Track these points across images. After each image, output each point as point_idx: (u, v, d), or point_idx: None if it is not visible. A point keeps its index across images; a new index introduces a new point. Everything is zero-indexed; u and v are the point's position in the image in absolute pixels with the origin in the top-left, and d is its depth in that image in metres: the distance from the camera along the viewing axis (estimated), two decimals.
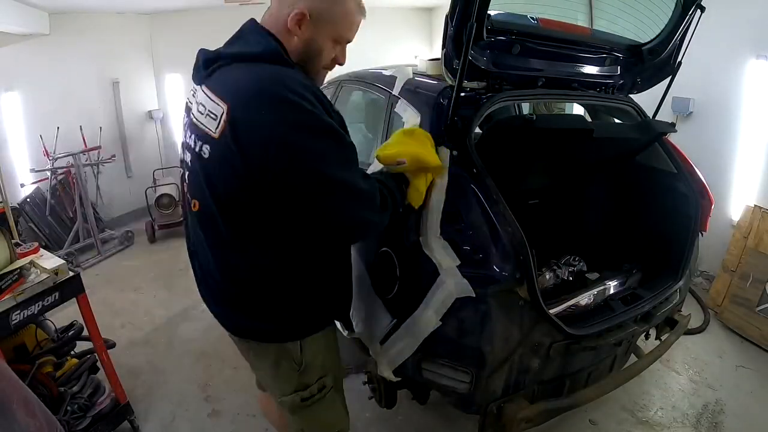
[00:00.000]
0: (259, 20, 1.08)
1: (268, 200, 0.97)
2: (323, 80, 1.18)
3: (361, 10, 1.08)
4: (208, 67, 1.04)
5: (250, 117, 0.91)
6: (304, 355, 1.17)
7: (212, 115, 0.96)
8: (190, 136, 1.06)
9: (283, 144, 0.90)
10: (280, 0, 1.03)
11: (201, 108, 1.01)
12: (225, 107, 0.93)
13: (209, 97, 0.98)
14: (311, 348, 1.19)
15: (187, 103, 1.12)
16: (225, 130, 0.93)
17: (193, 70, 1.10)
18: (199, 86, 1.05)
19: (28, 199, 4.22)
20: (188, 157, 1.09)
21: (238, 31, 1.07)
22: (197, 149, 1.02)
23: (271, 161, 0.90)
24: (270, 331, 1.15)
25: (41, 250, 1.91)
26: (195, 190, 1.08)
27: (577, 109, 3.68)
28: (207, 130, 0.98)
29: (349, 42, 1.10)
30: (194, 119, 1.03)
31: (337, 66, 1.13)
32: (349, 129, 1.08)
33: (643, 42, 1.87)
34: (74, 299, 1.81)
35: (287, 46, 1.02)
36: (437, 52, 1.46)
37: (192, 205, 1.10)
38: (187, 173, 1.13)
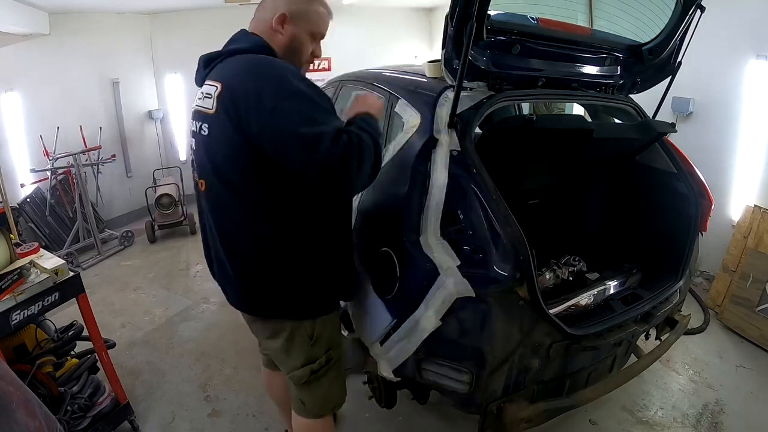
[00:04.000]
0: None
1: (258, 163, 1.08)
2: (305, 74, 1.29)
3: (329, 12, 1.29)
4: (208, 66, 1.21)
5: (237, 86, 1.07)
6: (315, 329, 1.29)
7: (208, 95, 1.13)
8: (194, 124, 1.20)
9: (258, 105, 1.03)
10: (263, 8, 1.25)
11: (201, 95, 1.18)
12: (219, 85, 1.10)
13: (208, 84, 1.15)
14: (323, 323, 1.31)
15: (194, 107, 1.25)
16: (218, 104, 1.09)
17: (196, 75, 1.26)
18: (200, 89, 1.21)
19: (28, 199, 4.22)
20: (193, 142, 1.23)
21: (231, 38, 1.26)
22: (198, 130, 1.17)
23: (253, 123, 1.03)
24: (288, 309, 1.26)
25: (41, 250, 1.91)
26: (201, 170, 1.21)
27: (577, 109, 3.68)
28: (205, 109, 1.13)
29: (322, 38, 1.29)
30: (196, 107, 1.19)
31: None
32: None
33: (643, 42, 1.87)
34: (74, 299, 1.81)
35: (273, 44, 1.21)
36: (437, 52, 1.46)
37: (200, 186, 1.22)
38: (192, 158, 1.27)
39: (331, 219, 1.26)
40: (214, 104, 1.10)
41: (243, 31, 1.26)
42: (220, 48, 1.23)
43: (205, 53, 1.24)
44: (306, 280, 1.23)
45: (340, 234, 1.30)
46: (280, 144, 1.04)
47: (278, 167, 1.07)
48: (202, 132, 1.16)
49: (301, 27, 1.23)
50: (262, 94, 1.04)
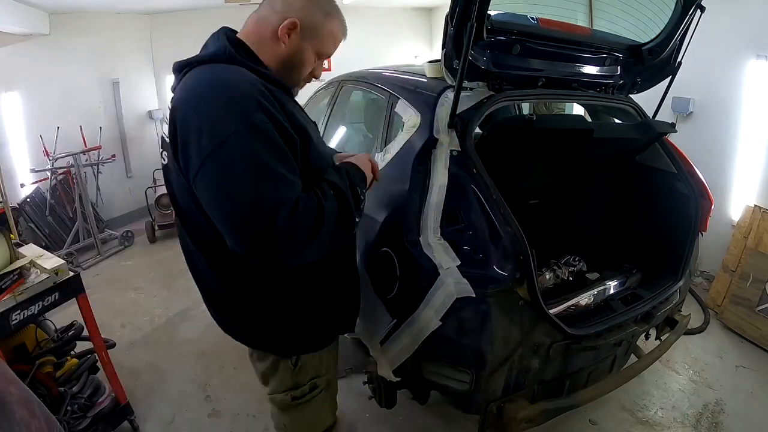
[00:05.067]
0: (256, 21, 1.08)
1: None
2: (297, 93, 1.15)
3: (345, 31, 1.11)
4: (178, 75, 1.03)
5: (179, 114, 0.89)
6: (301, 360, 1.18)
7: (167, 120, 0.96)
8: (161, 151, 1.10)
9: (198, 144, 0.85)
10: (272, 5, 1.03)
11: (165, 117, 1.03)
12: (173, 110, 0.93)
13: (170, 104, 0.98)
14: (311, 357, 1.20)
15: None
16: (170, 133, 0.92)
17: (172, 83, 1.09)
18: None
19: (28, 199, 4.21)
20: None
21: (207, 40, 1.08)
22: (162, 158, 1.07)
23: (188, 164, 0.87)
24: (268, 343, 1.17)
25: (41, 250, 1.91)
26: (171, 200, 1.12)
27: (577, 109, 3.68)
28: (164, 135, 0.99)
29: (327, 58, 1.12)
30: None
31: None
32: (349, 129, 1.08)
33: (643, 42, 1.87)
34: (74, 299, 1.81)
35: (268, 52, 1.02)
36: (437, 52, 1.46)
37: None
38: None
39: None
40: (169, 132, 0.93)
41: (221, 29, 1.06)
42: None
43: (178, 61, 1.05)
44: (288, 317, 1.11)
45: (332, 266, 1.14)
46: (207, 203, 0.88)
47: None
48: (162, 160, 1.06)
49: (309, 42, 1.03)
50: (202, 128, 0.84)
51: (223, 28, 1.06)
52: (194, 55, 1.02)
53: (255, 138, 0.84)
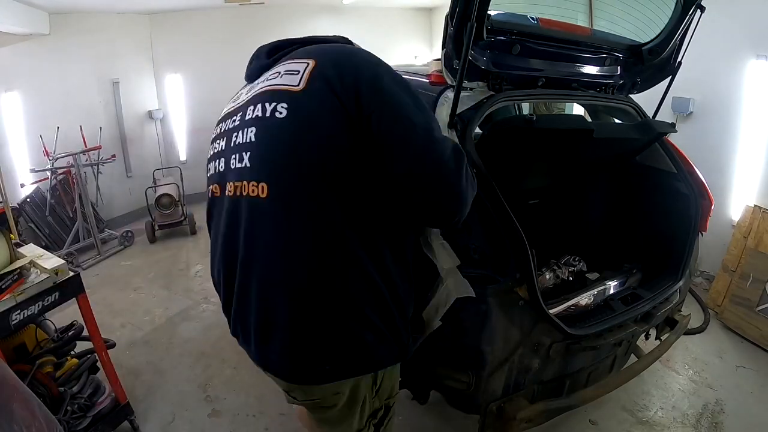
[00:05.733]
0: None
1: (358, 157, 0.85)
2: None
3: None
4: (273, 55, 0.99)
5: (341, 62, 0.89)
6: (384, 380, 1.05)
7: (293, 72, 0.89)
8: (248, 112, 0.92)
9: (374, 87, 0.86)
10: None
11: (272, 75, 0.94)
12: (311, 62, 0.89)
13: (286, 65, 0.93)
14: (392, 370, 1.06)
15: (229, 108, 1.02)
16: (312, 80, 0.86)
17: (250, 68, 1.02)
18: (256, 81, 0.98)
19: (28, 199, 4.21)
20: (239, 135, 0.92)
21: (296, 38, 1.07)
22: (268, 113, 0.88)
23: (364, 106, 0.84)
24: (371, 356, 0.94)
25: (41, 250, 1.91)
26: (261, 169, 0.88)
27: (577, 109, 3.68)
28: (285, 87, 0.88)
29: None
30: (258, 91, 0.93)
31: None
32: None
33: (643, 42, 1.87)
34: (74, 299, 1.81)
35: None
36: (437, 52, 1.46)
37: (256, 191, 0.88)
38: (233, 158, 0.93)
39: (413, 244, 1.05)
40: (303, 80, 0.86)
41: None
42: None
43: (266, 43, 1.02)
44: (392, 311, 0.94)
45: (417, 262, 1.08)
46: (400, 134, 0.85)
47: (378, 157, 0.86)
48: (277, 114, 0.87)
49: None
50: (380, 74, 0.88)
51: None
52: (286, 38, 1.03)
53: (419, 100, 0.91)
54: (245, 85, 1.03)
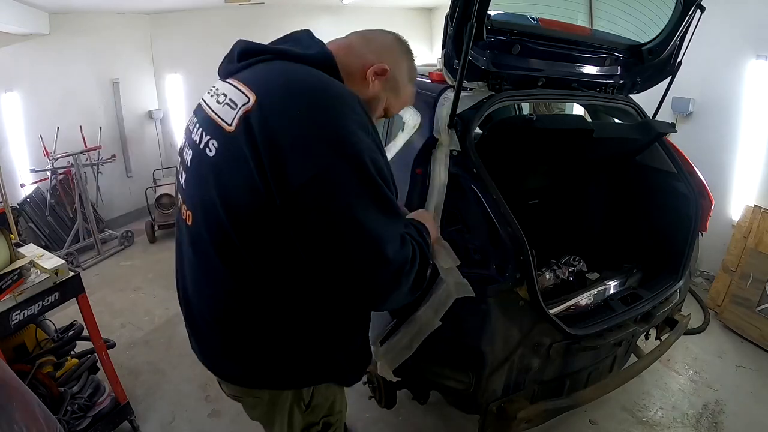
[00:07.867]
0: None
1: (279, 223, 0.78)
2: None
3: (413, 97, 1.11)
4: (243, 60, 0.91)
5: (277, 109, 0.77)
6: (314, 397, 1.05)
7: (232, 105, 0.81)
8: (196, 131, 0.89)
9: (311, 158, 0.74)
10: (367, 42, 0.98)
11: (220, 98, 0.86)
12: (251, 98, 0.79)
13: (235, 87, 0.84)
14: (325, 389, 1.07)
15: (200, 101, 0.96)
16: (242, 125, 0.78)
17: (223, 62, 0.96)
18: (224, 80, 0.91)
19: (28, 199, 4.22)
20: (189, 156, 0.91)
21: (288, 34, 0.97)
22: (202, 145, 0.85)
23: (292, 175, 0.74)
24: (286, 377, 0.99)
25: (41, 250, 1.91)
26: (190, 199, 0.90)
27: (577, 109, 3.68)
28: (221, 122, 0.82)
29: (385, 117, 1.08)
30: (208, 111, 0.88)
31: None
32: None
33: (643, 42, 1.87)
34: (74, 299, 1.81)
35: (351, 84, 0.91)
36: (437, 52, 1.46)
37: (185, 218, 0.92)
38: (181, 177, 0.95)
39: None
40: (236, 121, 0.79)
41: (309, 32, 0.97)
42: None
43: (245, 40, 0.93)
44: (311, 341, 0.96)
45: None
46: (322, 225, 0.75)
47: (300, 234, 0.78)
48: (208, 150, 0.83)
49: (386, 93, 0.99)
50: (316, 136, 0.75)
51: (309, 31, 0.98)
52: (263, 44, 0.93)
53: (380, 176, 0.78)
54: (218, 80, 0.97)
